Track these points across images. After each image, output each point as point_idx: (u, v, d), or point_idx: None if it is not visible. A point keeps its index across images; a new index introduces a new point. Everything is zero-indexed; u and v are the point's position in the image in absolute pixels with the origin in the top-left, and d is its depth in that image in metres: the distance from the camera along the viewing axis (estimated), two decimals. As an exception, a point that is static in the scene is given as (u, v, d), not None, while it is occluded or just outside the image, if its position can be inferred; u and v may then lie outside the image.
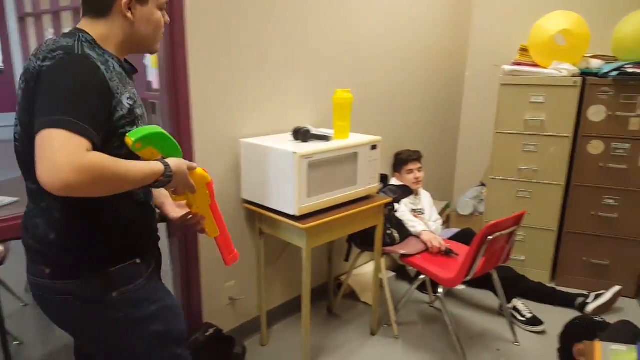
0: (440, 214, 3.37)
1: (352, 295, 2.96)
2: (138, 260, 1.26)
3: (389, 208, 2.61)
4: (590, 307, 2.80)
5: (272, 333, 2.60)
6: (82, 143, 0.99)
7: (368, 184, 2.37)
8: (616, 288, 2.85)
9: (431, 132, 3.68)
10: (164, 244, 1.58)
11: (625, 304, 2.92)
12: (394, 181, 3.00)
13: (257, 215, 2.32)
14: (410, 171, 3.00)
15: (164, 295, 1.34)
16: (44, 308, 1.23)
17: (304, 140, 2.20)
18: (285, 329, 2.64)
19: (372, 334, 2.60)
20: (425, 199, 3.05)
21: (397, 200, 2.60)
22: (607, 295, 2.82)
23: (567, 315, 2.80)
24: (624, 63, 2.83)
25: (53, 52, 1.07)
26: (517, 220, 2.33)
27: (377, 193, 2.47)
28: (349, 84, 2.76)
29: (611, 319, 2.58)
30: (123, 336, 1.24)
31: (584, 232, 3.10)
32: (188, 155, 2.05)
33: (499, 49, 3.71)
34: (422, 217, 2.94)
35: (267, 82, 2.33)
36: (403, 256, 2.54)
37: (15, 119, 1.14)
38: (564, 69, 3.02)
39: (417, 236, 2.67)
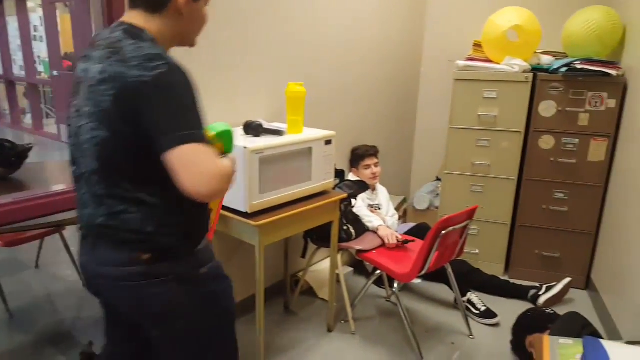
0: (397, 208, 3.38)
1: (310, 292, 2.92)
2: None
3: (346, 204, 2.58)
4: (542, 299, 2.87)
5: (227, 333, 2.53)
6: (212, 152, 1.09)
7: (323, 180, 2.34)
8: (566, 280, 2.92)
9: (388, 127, 3.69)
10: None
11: (575, 295, 3.01)
12: (351, 176, 2.98)
13: (209, 213, 2.24)
14: (367, 166, 2.98)
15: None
16: (128, 295, 1.25)
17: (256, 135, 2.14)
18: (241, 328, 2.56)
19: (329, 330, 2.57)
20: (382, 194, 3.05)
21: (354, 196, 2.57)
22: (558, 287, 2.89)
23: (520, 307, 2.85)
24: (573, 59, 2.90)
25: (151, 62, 1.08)
26: (470, 215, 2.34)
27: (333, 189, 2.43)
28: (302, 78, 2.72)
29: (562, 310, 2.64)
30: (206, 311, 1.32)
31: (536, 225, 3.16)
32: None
33: (453, 45, 3.75)
34: (379, 212, 2.93)
35: (216, 75, 2.25)
36: (359, 252, 2.52)
37: (92, 121, 1.14)
38: (516, 64, 3.07)
39: (374, 231, 2.66)
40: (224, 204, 2.09)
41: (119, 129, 1.11)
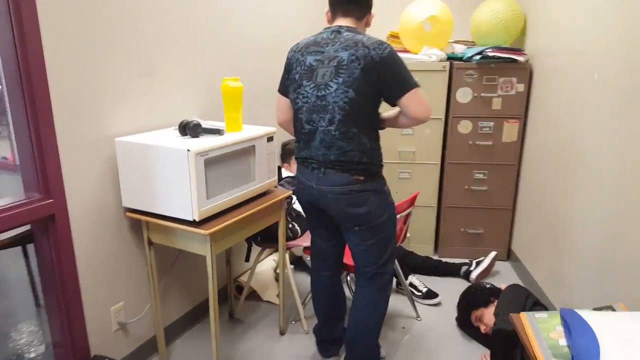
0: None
1: (252, 296, 2.81)
2: None
3: (288, 201, 2.51)
4: (473, 274, 3.03)
5: (173, 351, 2.35)
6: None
7: (267, 178, 2.24)
8: (493, 253, 3.12)
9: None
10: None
11: (500, 267, 3.22)
12: (284, 172, 2.90)
13: (145, 224, 2.05)
14: None
15: None
16: (346, 203, 1.87)
17: (194, 136, 1.99)
18: (186, 343, 2.41)
19: (282, 333, 2.49)
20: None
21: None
22: (487, 261, 3.07)
23: (455, 284, 3.01)
24: (485, 47, 3.07)
25: (382, 45, 1.75)
26: (413, 202, 2.39)
27: (275, 187, 2.35)
28: (232, 73, 2.59)
29: (492, 281, 2.82)
30: (389, 215, 1.97)
31: (460, 205, 3.34)
32: (54, 163, 1.72)
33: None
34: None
35: (141, 72, 2.05)
36: (307, 249, 2.46)
37: (346, 86, 1.77)
38: (433, 54, 3.19)
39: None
40: (161, 212, 1.92)
41: (365, 90, 1.76)
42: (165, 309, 2.33)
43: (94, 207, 1.91)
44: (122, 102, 1.98)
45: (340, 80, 1.78)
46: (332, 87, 1.80)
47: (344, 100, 1.78)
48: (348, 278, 2.75)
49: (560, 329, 1.32)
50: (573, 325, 1.25)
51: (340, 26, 1.87)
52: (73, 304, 1.85)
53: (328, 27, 1.91)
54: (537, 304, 2.22)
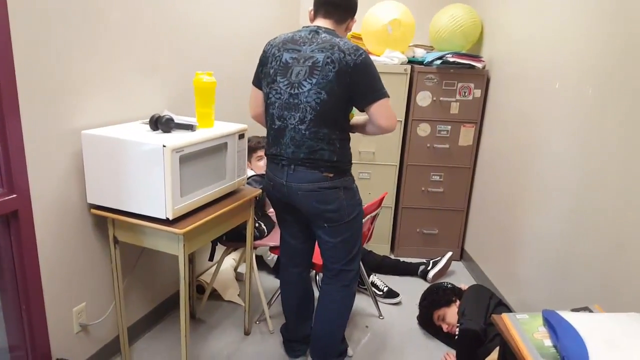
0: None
1: (212, 295, 2.74)
2: None
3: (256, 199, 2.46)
4: (430, 274, 3.13)
5: (135, 351, 2.25)
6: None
7: (238, 176, 2.19)
8: (449, 254, 3.23)
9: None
10: None
11: (453, 267, 3.34)
12: (248, 171, 2.84)
13: (111, 222, 1.94)
14: (261, 157, 2.88)
15: None
16: (316, 200, 1.90)
17: (166, 131, 1.91)
18: (148, 344, 2.31)
19: (247, 333, 2.45)
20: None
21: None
22: (443, 261, 3.17)
23: (413, 283, 3.09)
24: (445, 52, 3.16)
25: (357, 52, 1.78)
26: (380, 203, 2.42)
27: (243, 185, 2.29)
28: (201, 67, 2.50)
29: (449, 280, 2.92)
30: (358, 212, 2.00)
31: (416, 206, 3.42)
32: (19, 157, 1.58)
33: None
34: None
35: (104, 64, 1.93)
36: (274, 248, 2.43)
37: (319, 88, 1.78)
38: (395, 57, 3.24)
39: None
40: (130, 210, 1.83)
41: (337, 92, 1.78)
42: (127, 309, 2.22)
43: (57, 203, 1.79)
44: (89, 93, 1.86)
45: (314, 81, 1.79)
46: (305, 86, 1.81)
47: (316, 101, 1.80)
48: (317, 277, 2.74)
49: (543, 329, 1.38)
50: (558, 327, 1.31)
51: (319, 27, 1.88)
52: (35, 305, 1.72)
53: (307, 26, 1.91)
54: (501, 304, 2.33)
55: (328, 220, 1.94)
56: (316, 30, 1.87)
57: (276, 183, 1.96)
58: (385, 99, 1.83)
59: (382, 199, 2.43)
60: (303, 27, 1.92)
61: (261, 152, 2.89)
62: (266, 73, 1.92)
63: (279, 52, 1.88)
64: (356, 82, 1.78)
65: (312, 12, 1.96)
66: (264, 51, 1.97)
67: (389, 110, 1.86)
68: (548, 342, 1.33)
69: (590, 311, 1.52)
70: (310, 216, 1.97)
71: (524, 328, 1.40)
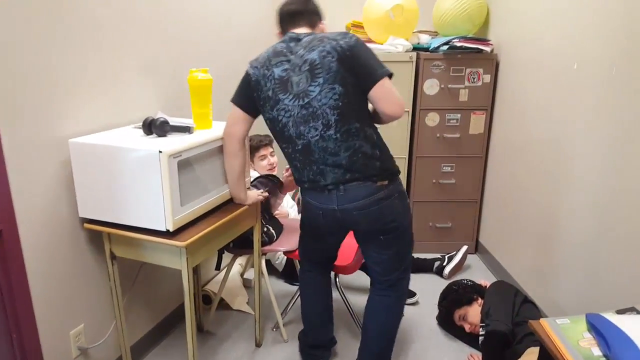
0: (292, 198, 3.21)
1: (220, 305, 2.60)
2: None
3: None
4: (447, 269, 2.98)
5: (139, 374, 2.12)
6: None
7: (241, 179, 2.04)
8: (464, 248, 3.09)
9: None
10: None
11: (469, 261, 3.20)
12: (251, 172, 2.70)
13: (106, 236, 1.79)
14: (264, 157, 2.74)
15: None
16: (375, 215, 1.73)
17: (161, 135, 1.76)
18: (152, 364, 2.18)
19: (258, 345, 2.31)
20: (282, 186, 2.85)
21: (271, 193, 2.32)
22: (459, 256, 3.03)
23: (429, 281, 2.95)
24: (451, 37, 3.01)
25: (347, 35, 1.65)
26: None
27: (248, 188, 2.15)
28: (195, 64, 2.36)
29: (465, 276, 2.78)
30: (410, 217, 1.86)
31: (428, 199, 3.28)
32: (0, 170, 1.44)
33: (328, 27, 3.63)
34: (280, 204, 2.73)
35: (95, 61, 1.78)
36: (287, 252, 2.30)
37: (329, 84, 1.62)
38: (399, 44, 3.09)
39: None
40: (127, 223, 1.69)
41: (349, 80, 1.62)
42: (129, 327, 2.08)
43: (46, 219, 1.65)
44: (75, 98, 1.71)
45: (321, 80, 1.63)
46: (314, 91, 1.65)
47: (334, 98, 1.63)
48: (337, 280, 2.56)
49: (589, 336, 1.24)
50: (607, 333, 1.17)
51: (296, 33, 1.74)
52: (26, 331, 1.58)
53: (282, 40, 1.76)
54: (526, 301, 2.18)
55: (385, 232, 1.79)
56: (296, 38, 1.72)
57: (326, 211, 1.78)
58: (384, 80, 1.62)
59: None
60: (277, 42, 1.76)
61: (264, 151, 2.74)
62: (265, 98, 1.74)
63: (269, 70, 1.71)
64: (356, 61, 1.62)
65: (280, 33, 1.81)
66: (248, 74, 1.76)
67: (391, 92, 1.64)
68: (597, 351, 1.19)
69: (638, 312, 1.38)
70: (366, 232, 1.82)
71: (567, 335, 1.26)
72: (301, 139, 1.71)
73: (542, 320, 1.34)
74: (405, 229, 1.83)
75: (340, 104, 1.64)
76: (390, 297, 1.94)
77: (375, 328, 1.97)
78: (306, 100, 1.66)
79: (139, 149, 1.60)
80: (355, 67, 1.62)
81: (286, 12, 1.77)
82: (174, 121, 1.85)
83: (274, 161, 2.76)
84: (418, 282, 2.90)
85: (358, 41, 1.65)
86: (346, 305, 2.50)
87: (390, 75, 1.65)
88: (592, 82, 2.02)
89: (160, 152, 1.57)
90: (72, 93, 1.69)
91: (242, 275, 2.86)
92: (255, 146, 2.75)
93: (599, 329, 1.21)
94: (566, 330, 1.28)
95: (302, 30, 1.75)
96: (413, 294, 2.70)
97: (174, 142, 1.66)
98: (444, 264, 3.02)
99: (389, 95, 1.64)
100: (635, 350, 1.12)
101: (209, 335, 2.39)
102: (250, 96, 1.78)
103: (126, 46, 1.91)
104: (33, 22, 1.51)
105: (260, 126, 2.89)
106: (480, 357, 2.14)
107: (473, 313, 2.29)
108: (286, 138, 1.76)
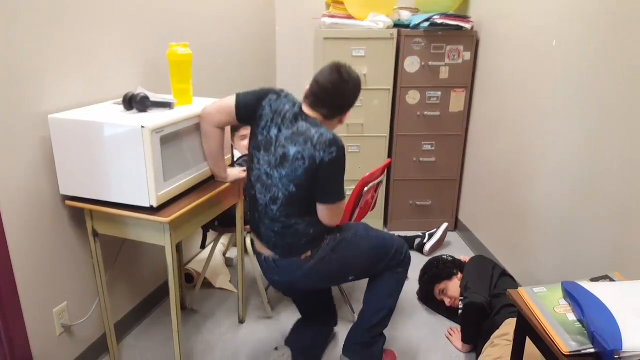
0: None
1: (203, 283, 2.59)
2: None
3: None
4: (427, 246, 3.04)
5: (124, 349, 2.12)
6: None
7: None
8: (445, 225, 3.14)
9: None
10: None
11: (449, 238, 3.26)
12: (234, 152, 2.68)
13: (88, 213, 1.78)
14: (244, 137, 2.71)
15: None
16: (309, 280, 1.85)
17: (142, 110, 1.74)
18: (138, 339, 2.18)
19: (241, 321, 2.33)
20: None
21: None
22: (439, 233, 3.09)
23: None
24: (432, 14, 3.01)
25: (330, 148, 1.65)
26: (383, 170, 2.31)
27: (231, 165, 2.15)
28: (174, 38, 2.31)
29: (445, 252, 2.84)
30: (359, 246, 1.89)
31: (409, 178, 3.31)
32: (-22, 144, 1.41)
33: (307, 2, 3.60)
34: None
35: (73, 35, 1.74)
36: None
37: (288, 180, 1.69)
38: (380, 21, 3.08)
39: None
40: (109, 199, 1.68)
41: (305, 185, 1.69)
42: (112, 304, 2.07)
43: (27, 197, 1.62)
44: (52, 74, 1.66)
45: (283, 172, 1.69)
46: (276, 174, 1.72)
47: (284, 192, 1.71)
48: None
49: (564, 303, 1.29)
50: (582, 299, 1.22)
51: (304, 113, 1.73)
52: (10, 309, 1.57)
53: (295, 103, 1.76)
54: (504, 275, 2.25)
55: (339, 280, 2.01)
56: (300, 116, 1.72)
57: (272, 279, 1.91)
58: (340, 203, 1.75)
59: (385, 167, 2.30)
60: (296, 101, 1.77)
61: (244, 131, 2.72)
62: (260, 126, 1.76)
63: (271, 122, 1.74)
64: (321, 177, 1.68)
65: (307, 90, 1.76)
66: (267, 98, 1.76)
67: (339, 211, 1.79)
68: (572, 317, 1.24)
69: (612, 280, 1.43)
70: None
71: (544, 302, 1.31)
72: (255, 190, 1.79)
73: (520, 289, 1.38)
74: (358, 257, 1.88)
75: (289, 197, 1.71)
76: (384, 275, 1.96)
77: (369, 301, 1.99)
78: (271, 172, 1.73)
79: (121, 124, 1.58)
80: (318, 178, 1.68)
81: (321, 88, 1.71)
82: (154, 97, 1.82)
83: None
84: (399, 258, 2.95)
85: (337, 158, 1.66)
86: (342, 293, 2.52)
87: (343, 200, 1.75)
88: (570, 60, 2.05)
89: (142, 127, 1.55)
90: (50, 69, 1.65)
91: (224, 254, 2.87)
92: (235, 127, 2.72)
93: (574, 295, 1.25)
94: (543, 298, 1.33)
95: (313, 115, 1.73)
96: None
97: (156, 118, 1.65)
98: (425, 240, 3.07)
99: (336, 215, 1.78)
100: (606, 312, 1.17)
101: (192, 313, 2.40)
102: (253, 109, 1.78)
103: (104, 19, 1.86)
104: (7, -7, 1.46)
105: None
106: (459, 330, 2.20)
107: (453, 287, 2.34)
108: (251, 172, 1.81)
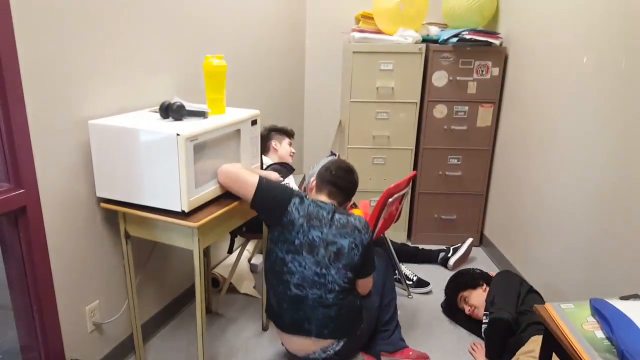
0: (299, 187, 3.24)
1: (228, 288, 2.64)
2: None
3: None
4: (451, 261, 3.02)
5: (150, 349, 2.17)
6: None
7: (251, 164, 2.09)
8: (469, 240, 3.12)
9: (278, 103, 3.48)
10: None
11: (474, 253, 3.23)
12: (264, 159, 2.73)
13: (122, 216, 1.84)
14: (291, 144, 2.77)
15: None
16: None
17: (177, 118, 1.80)
18: (163, 341, 2.23)
19: (264, 329, 2.36)
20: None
21: (284, 178, 2.37)
22: (464, 248, 3.07)
23: (435, 271, 2.99)
24: (461, 30, 3.03)
25: (368, 228, 1.92)
26: (408, 182, 2.33)
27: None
28: (210, 49, 2.39)
29: (470, 266, 2.82)
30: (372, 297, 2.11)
31: (434, 191, 3.31)
32: (25, 150, 1.48)
33: (336, 17, 3.66)
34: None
35: (113, 46, 1.82)
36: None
37: (347, 271, 1.88)
38: (409, 35, 3.11)
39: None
40: (142, 202, 1.73)
41: (358, 269, 1.91)
42: (140, 306, 2.13)
43: (66, 197, 1.69)
44: (94, 81, 1.75)
45: (341, 265, 1.86)
46: (332, 269, 1.86)
47: (344, 280, 1.87)
48: None
49: (592, 320, 1.28)
50: (611, 317, 1.21)
51: (335, 206, 1.94)
52: (47, 305, 1.64)
53: (324, 203, 1.93)
54: (532, 291, 2.22)
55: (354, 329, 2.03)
56: (332, 211, 1.90)
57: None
58: (372, 275, 2.00)
59: (410, 178, 2.33)
60: (320, 201, 1.93)
61: (291, 140, 2.77)
62: (288, 230, 1.87)
63: (307, 225, 1.86)
64: (367, 258, 1.92)
65: (315, 184, 2.03)
66: (291, 202, 1.88)
67: (369, 283, 2.02)
68: (600, 334, 1.23)
69: (641, 299, 1.42)
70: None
71: (571, 319, 1.30)
72: (299, 289, 1.88)
73: (547, 305, 1.37)
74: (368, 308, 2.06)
75: (347, 283, 1.88)
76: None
77: None
78: (323, 271, 1.86)
79: (157, 131, 1.64)
80: (364, 259, 1.90)
81: (340, 185, 1.99)
82: (189, 106, 1.88)
83: (294, 151, 2.79)
84: (423, 272, 2.94)
85: (372, 236, 1.94)
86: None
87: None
88: (601, 76, 2.05)
89: (178, 135, 1.61)
90: (93, 78, 1.73)
91: (249, 260, 2.91)
92: (291, 133, 2.77)
93: (603, 313, 1.24)
94: (570, 315, 1.32)
95: (330, 201, 1.97)
96: (426, 284, 2.74)
97: (191, 126, 1.70)
98: (449, 255, 3.06)
99: (368, 285, 2.02)
100: (637, 332, 1.15)
101: (217, 317, 2.44)
102: (271, 211, 1.89)
103: (145, 33, 1.95)
104: (56, 11, 1.54)
105: (288, 119, 2.93)
106: (483, 346, 2.18)
107: (476, 296, 2.33)
108: (283, 280, 1.90)
